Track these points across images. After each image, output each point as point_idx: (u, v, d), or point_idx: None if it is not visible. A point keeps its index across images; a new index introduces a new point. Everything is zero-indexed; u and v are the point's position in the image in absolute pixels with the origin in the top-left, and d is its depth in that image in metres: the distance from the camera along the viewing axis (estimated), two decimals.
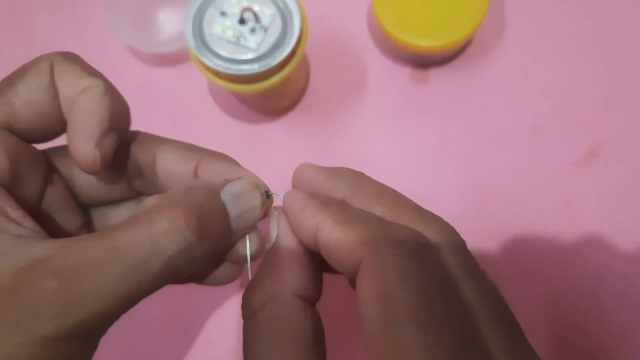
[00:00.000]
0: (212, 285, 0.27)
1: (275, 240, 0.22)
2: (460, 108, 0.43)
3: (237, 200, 0.22)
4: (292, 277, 0.21)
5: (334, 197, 0.22)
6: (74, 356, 0.19)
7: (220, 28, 0.34)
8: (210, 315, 0.42)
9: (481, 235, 0.41)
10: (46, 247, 0.19)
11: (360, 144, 0.43)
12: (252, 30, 0.34)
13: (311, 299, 0.21)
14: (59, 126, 0.24)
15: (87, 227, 0.26)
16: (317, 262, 0.22)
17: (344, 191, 0.22)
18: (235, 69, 0.34)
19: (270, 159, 0.44)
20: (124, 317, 0.20)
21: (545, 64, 0.44)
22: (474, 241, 0.41)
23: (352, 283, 0.19)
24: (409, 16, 0.41)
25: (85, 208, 0.26)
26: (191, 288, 0.40)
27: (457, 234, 0.20)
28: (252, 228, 0.24)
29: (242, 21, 0.34)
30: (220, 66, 0.34)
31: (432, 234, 0.19)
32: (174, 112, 0.45)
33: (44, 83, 0.23)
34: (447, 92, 0.44)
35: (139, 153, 0.25)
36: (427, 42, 0.40)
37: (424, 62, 0.44)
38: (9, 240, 0.19)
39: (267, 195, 0.25)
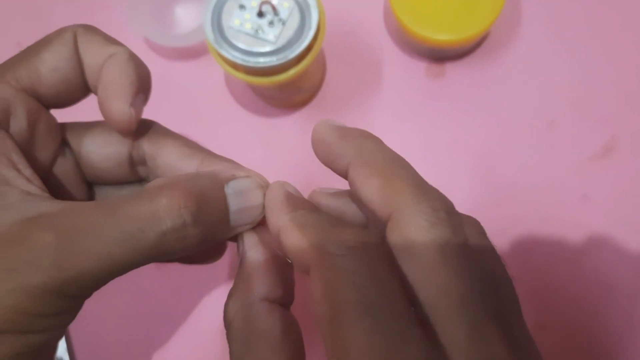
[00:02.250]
0: (195, 264, 0.29)
1: (241, 254, 0.24)
2: (476, 102, 0.43)
3: (239, 196, 0.23)
4: (258, 284, 0.22)
5: (339, 161, 0.22)
6: (59, 312, 0.20)
7: (239, 21, 0.34)
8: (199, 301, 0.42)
9: (495, 229, 0.41)
10: (51, 205, 0.20)
11: None
12: (270, 23, 0.34)
13: (281, 301, 0.23)
14: (81, 92, 0.26)
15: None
16: (286, 265, 0.24)
17: (349, 156, 0.21)
18: (253, 62, 0.34)
19: (286, 152, 0.44)
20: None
21: (561, 59, 0.44)
22: (488, 235, 0.41)
23: None
24: (425, 10, 0.41)
25: (89, 185, 0.28)
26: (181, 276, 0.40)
27: (447, 216, 0.19)
28: (251, 225, 0.24)
29: (260, 14, 0.34)
30: (239, 58, 0.34)
31: (414, 216, 0.18)
32: (191, 106, 0.46)
33: (68, 52, 0.24)
34: (464, 86, 0.44)
35: (146, 142, 0.27)
36: (444, 36, 0.40)
37: (440, 56, 0.44)
38: (17, 194, 0.21)
39: None
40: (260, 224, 0.25)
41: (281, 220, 0.21)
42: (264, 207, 0.24)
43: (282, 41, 0.34)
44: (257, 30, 0.34)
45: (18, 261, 0.19)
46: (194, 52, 0.46)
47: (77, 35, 0.25)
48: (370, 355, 0.15)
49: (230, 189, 0.23)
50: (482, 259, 0.19)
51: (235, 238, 0.25)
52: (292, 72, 0.35)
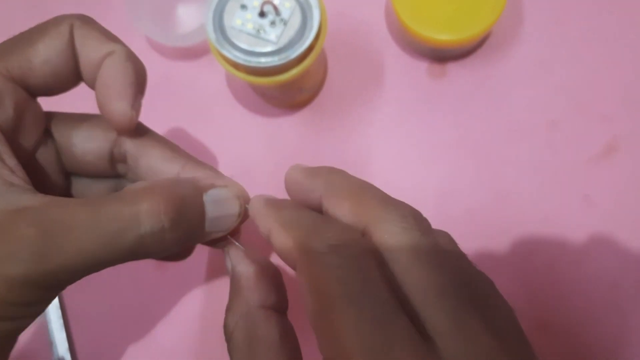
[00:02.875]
0: (165, 260, 0.30)
1: (231, 269, 0.25)
2: (477, 102, 0.43)
3: (216, 204, 0.24)
4: (252, 294, 0.23)
5: (312, 195, 0.23)
6: (32, 302, 0.21)
7: (241, 21, 0.34)
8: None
9: (496, 229, 0.41)
10: (34, 199, 0.21)
11: (377, 138, 0.44)
12: (272, 23, 0.34)
13: (276, 307, 0.24)
14: (71, 83, 0.26)
15: (66, 193, 0.28)
16: (276, 273, 0.25)
17: (320, 190, 0.23)
18: (255, 62, 0.34)
19: (287, 152, 0.44)
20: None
21: (563, 59, 0.44)
22: (489, 235, 0.41)
23: None
24: (427, 10, 0.41)
25: (67, 175, 0.28)
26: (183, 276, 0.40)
27: (415, 221, 0.20)
28: (225, 232, 0.25)
29: (262, 14, 0.34)
30: (240, 58, 0.34)
31: (385, 223, 0.20)
32: (192, 105, 0.46)
33: (62, 44, 0.25)
34: (465, 86, 0.44)
35: (129, 141, 0.27)
36: (445, 36, 0.40)
37: (441, 56, 0.44)
38: (0, 185, 0.21)
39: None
40: (235, 232, 0.27)
41: (269, 223, 0.22)
42: (239, 216, 0.25)
43: (283, 41, 0.34)
44: (258, 30, 0.34)
45: None
46: (195, 52, 0.46)
47: (74, 28, 0.25)
48: (359, 341, 0.16)
49: (208, 197, 0.24)
50: (453, 257, 0.20)
51: (211, 242, 0.26)
52: (293, 72, 0.35)
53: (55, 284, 0.21)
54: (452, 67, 0.44)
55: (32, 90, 0.25)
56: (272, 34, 0.34)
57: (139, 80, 0.25)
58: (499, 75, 0.44)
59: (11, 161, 0.22)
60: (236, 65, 0.35)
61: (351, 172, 0.43)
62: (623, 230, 0.40)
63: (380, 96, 0.44)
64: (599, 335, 0.39)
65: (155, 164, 0.27)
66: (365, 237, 0.20)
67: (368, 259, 0.19)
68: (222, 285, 0.42)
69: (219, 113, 0.46)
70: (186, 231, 0.23)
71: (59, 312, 0.41)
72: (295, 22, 0.34)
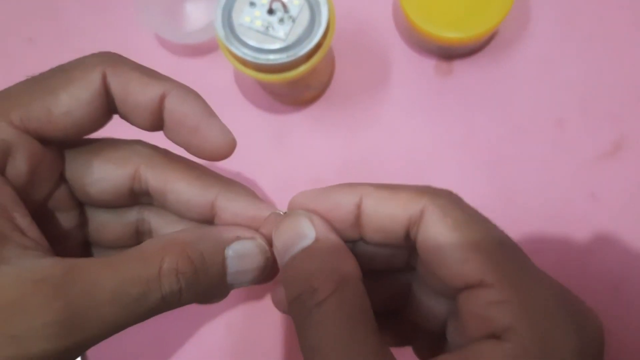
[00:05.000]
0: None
1: (318, 235, 0.22)
2: (485, 100, 0.44)
3: (240, 259, 0.23)
4: (352, 263, 0.22)
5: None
6: None
7: (249, 18, 0.35)
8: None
9: (503, 226, 0.41)
10: (53, 266, 0.19)
11: (385, 136, 0.44)
12: (281, 21, 0.34)
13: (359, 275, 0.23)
14: (90, 132, 0.24)
15: (82, 227, 0.26)
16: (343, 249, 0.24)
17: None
18: (263, 59, 0.34)
19: (295, 149, 0.44)
20: None
21: (570, 57, 0.44)
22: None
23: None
24: (434, 8, 0.41)
25: (81, 207, 0.26)
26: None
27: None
28: (248, 284, 0.24)
29: (270, 11, 0.35)
30: (249, 55, 0.34)
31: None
32: None
33: (90, 95, 0.22)
34: (472, 84, 0.44)
35: (150, 175, 0.25)
36: (453, 33, 0.40)
37: (449, 54, 0.44)
38: (13, 249, 0.20)
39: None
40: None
41: (359, 189, 0.22)
42: (263, 269, 0.24)
43: (292, 38, 0.34)
44: (267, 28, 0.34)
45: (22, 328, 0.18)
46: (203, 49, 0.47)
47: (108, 76, 0.23)
48: None
49: (231, 251, 0.23)
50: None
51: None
52: (301, 69, 0.35)
53: (78, 352, 0.20)
54: (460, 65, 0.44)
55: (49, 141, 0.23)
56: (281, 31, 0.34)
57: (208, 106, 0.24)
58: (506, 73, 0.44)
59: (24, 221, 0.21)
60: (244, 62, 0.35)
61: (358, 169, 0.43)
62: (629, 228, 0.40)
63: (387, 94, 0.44)
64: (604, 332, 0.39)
65: (184, 201, 0.25)
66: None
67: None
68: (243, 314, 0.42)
69: (226, 110, 0.45)
70: (205, 287, 0.22)
71: None
72: (304, 19, 0.35)
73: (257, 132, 0.45)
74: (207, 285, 0.22)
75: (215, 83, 0.46)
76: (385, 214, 0.22)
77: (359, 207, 0.22)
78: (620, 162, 0.41)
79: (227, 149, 0.24)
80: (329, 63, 0.43)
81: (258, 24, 0.35)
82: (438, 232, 0.20)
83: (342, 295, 0.20)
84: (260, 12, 0.35)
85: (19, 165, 0.22)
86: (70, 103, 0.22)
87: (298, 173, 0.44)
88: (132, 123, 0.24)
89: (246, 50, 0.35)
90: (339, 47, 0.45)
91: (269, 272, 0.25)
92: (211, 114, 0.24)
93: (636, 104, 0.42)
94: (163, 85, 0.23)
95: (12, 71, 0.48)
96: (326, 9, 0.34)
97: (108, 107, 0.23)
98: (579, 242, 0.40)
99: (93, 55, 0.23)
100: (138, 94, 0.23)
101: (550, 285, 0.21)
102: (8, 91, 0.23)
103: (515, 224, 0.41)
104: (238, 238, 0.23)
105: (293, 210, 0.24)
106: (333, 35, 0.36)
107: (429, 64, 0.45)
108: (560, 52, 0.44)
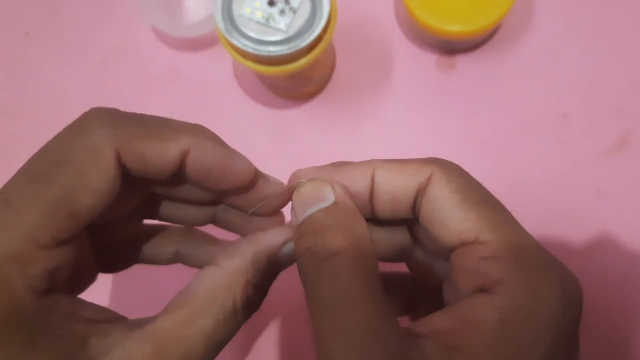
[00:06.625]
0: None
1: (337, 199, 0.22)
2: (487, 95, 0.43)
3: (288, 260, 0.24)
4: (365, 228, 0.22)
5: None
6: None
7: (250, 9, 0.34)
8: None
9: None
10: (143, 348, 0.20)
11: (386, 130, 0.43)
12: (281, 12, 0.34)
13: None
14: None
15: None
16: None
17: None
18: (264, 50, 0.34)
19: (296, 143, 0.44)
20: None
21: (574, 51, 0.43)
22: None
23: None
24: (436, 1, 0.40)
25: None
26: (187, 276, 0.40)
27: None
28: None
29: (271, 3, 0.34)
30: (249, 47, 0.34)
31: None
32: (199, 97, 0.45)
33: (109, 187, 0.20)
34: (475, 78, 0.43)
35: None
36: (455, 27, 0.40)
37: (451, 48, 0.44)
38: (103, 339, 0.20)
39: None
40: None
41: (371, 164, 0.23)
42: None
43: (293, 30, 0.34)
44: (267, 19, 0.34)
45: None
46: (202, 43, 0.46)
47: (122, 156, 0.20)
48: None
49: (285, 250, 0.24)
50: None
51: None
52: (302, 62, 0.35)
53: None
54: (462, 59, 0.44)
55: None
56: (282, 22, 0.34)
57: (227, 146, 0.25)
58: (509, 68, 0.43)
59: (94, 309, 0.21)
60: (245, 54, 0.35)
61: None
62: (634, 224, 0.40)
63: (389, 88, 0.44)
64: (608, 328, 0.38)
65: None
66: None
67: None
68: None
69: (226, 105, 0.45)
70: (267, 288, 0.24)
71: None
72: (305, 11, 0.34)
73: (256, 127, 0.44)
74: (263, 294, 0.24)
75: (215, 78, 0.46)
76: (397, 184, 0.22)
77: (373, 180, 0.23)
78: (625, 157, 0.41)
79: (249, 178, 0.25)
80: (330, 56, 0.43)
81: (259, 15, 0.34)
82: (442, 193, 0.21)
83: (356, 251, 0.20)
84: (260, 4, 0.34)
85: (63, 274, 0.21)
86: (93, 203, 0.20)
87: (298, 167, 0.43)
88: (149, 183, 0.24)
89: (246, 42, 0.34)
90: (340, 41, 0.45)
91: None
92: (232, 154, 0.24)
93: None
94: (180, 142, 0.22)
95: (9, 66, 0.47)
96: (327, 1, 0.34)
97: (123, 179, 0.21)
98: (583, 237, 0.40)
99: (94, 125, 0.20)
100: (156, 162, 0.21)
101: (538, 247, 0.21)
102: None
103: (519, 218, 0.40)
104: (285, 243, 0.24)
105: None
106: (334, 27, 0.35)
107: (431, 58, 0.44)
108: (564, 46, 0.43)
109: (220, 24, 0.34)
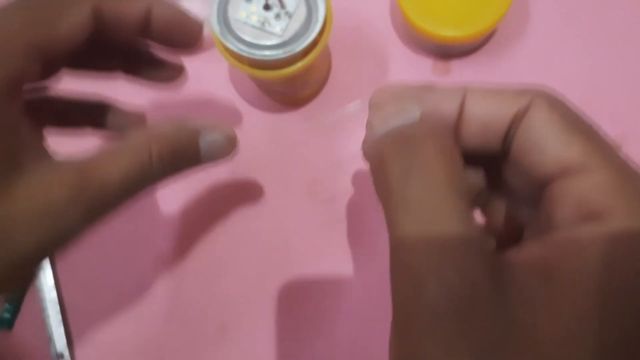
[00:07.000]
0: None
1: (424, 115, 0.21)
2: None
3: (209, 146, 0.28)
4: (453, 140, 0.21)
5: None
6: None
7: (245, 13, 0.34)
8: None
9: None
10: (69, 171, 0.24)
11: None
12: (277, 16, 0.34)
13: None
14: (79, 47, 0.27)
15: None
16: None
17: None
18: (259, 54, 0.34)
19: (291, 148, 0.44)
20: None
21: (570, 55, 0.43)
22: None
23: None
24: (432, 6, 0.41)
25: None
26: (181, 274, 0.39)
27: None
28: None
29: (267, 7, 0.34)
30: (244, 51, 0.34)
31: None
32: (195, 102, 0.45)
33: (84, 20, 0.26)
34: (470, 83, 0.43)
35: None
36: (451, 32, 0.40)
37: (446, 53, 0.44)
38: (28, 161, 0.24)
39: None
40: None
41: (462, 89, 0.21)
42: (230, 154, 0.30)
43: (288, 34, 0.34)
44: (263, 23, 0.34)
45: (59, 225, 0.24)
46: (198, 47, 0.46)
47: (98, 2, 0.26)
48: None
49: (202, 143, 0.28)
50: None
51: None
52: (298, 66, 0.35)
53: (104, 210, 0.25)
54: (457, 65, 0.44)
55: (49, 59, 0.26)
56: (277, 26, 0.34)
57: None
58: (504, 73, 0.43)
59: (32, 132, 0.25)
60: (240, 58, 0.35)
61: (356, 168, 0.42)
62: None
63: None
64: None
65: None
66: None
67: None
68: (220, 287, 0.42)
69: (221, 109, 0.45)
70: (182, 166, 0.28)
71: (58, 307, 0.41)
72: (301, 15, 0.34)
73: (252, 132, 0.44)
74: (183, 164, 0.28)
75: (210, 82, 0.46)
76: (490, 111, 0.21)
77: (461, 108, 0.21)
78: None
79: (200, 35, 0.31)
80: (326, 61, 0.43)
81: (254, 19, 0.34)
82: (545, 118, 0.20)
83: (442, 145, 0.20)
84: (256, 8, 0.34)
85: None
86: (69, 32, 0.25)
87: (294, 173, 0.43)
88: (117, 36, 0.28)
89: (242, 46, 0.34)
90: (336, 46, 0.45)
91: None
92: (186, 13, 0.30)
93: (637, 102, 0.42)
94: (145, 1, 0.28)
95: None
96: (323, 6, 0.34)
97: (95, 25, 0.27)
98: None
99: None
100: (127, 10, 0.27)
101: None
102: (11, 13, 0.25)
103: None
104: (208, 129, 0.28)
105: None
106: (330, 32, 0.35)
107: (427, 63, 0.44)
108: (559, 50, 0.43)
109: (216, 28, 0.34)
